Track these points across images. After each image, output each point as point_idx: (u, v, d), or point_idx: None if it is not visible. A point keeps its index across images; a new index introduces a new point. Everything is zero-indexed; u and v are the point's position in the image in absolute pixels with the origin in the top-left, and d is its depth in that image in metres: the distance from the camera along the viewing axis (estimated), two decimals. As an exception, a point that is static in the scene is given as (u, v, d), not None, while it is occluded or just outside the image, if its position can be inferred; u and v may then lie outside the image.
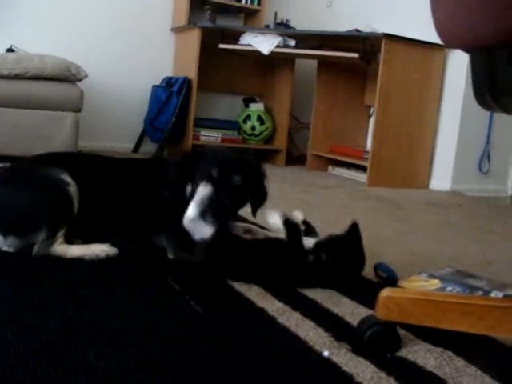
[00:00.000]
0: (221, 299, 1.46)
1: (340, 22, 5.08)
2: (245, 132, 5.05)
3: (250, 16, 5.18)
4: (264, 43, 4.41)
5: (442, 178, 4.34)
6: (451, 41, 1.15)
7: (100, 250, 1.69)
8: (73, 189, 1.68)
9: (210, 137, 4.80)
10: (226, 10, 5.05)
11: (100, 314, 1.27)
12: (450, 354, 1.21)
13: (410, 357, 1.18)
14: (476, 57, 1.13)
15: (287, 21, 4.91)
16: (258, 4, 5.01)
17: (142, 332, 1.19)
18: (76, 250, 1.68)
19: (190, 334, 1.21)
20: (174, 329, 1.23)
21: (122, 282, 1.51)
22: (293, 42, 4.50)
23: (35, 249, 1.63)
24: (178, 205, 1.69)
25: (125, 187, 1.81)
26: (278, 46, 4.42)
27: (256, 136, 5.06)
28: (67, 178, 1.69)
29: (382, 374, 1.09)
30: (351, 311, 1.43)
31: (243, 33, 4.60)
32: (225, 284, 1.56)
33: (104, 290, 1.44)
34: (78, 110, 3.65)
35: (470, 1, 1.01)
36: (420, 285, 1.67)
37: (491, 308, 1.15)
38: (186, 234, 1.65)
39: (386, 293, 1.19)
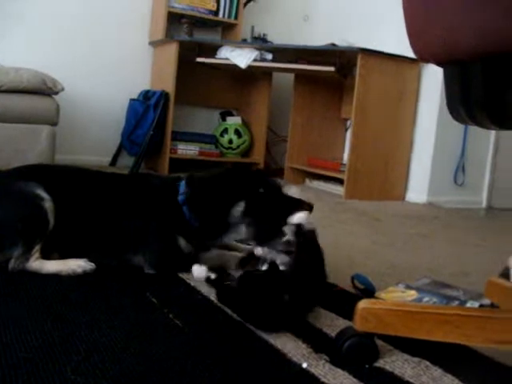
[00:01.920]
0: (199, 312, 1.45)
1: (317, 36, 5.14)
2: (222, 145, 5.06)
3: (227, 30, 5.21)
4: (241, 57, 4.43)
5: (418, 191, 4.38)
6: (424, 55, 1.17)
7: (77, 265, 1.68)
8: (48, 204, 1.67)
9: (188, 150, 4.80)
10: (204, 23, 5.07)
11: (77, 328, 1.26)
12: (427, 363, 1.22)
13: (388, 367, 1.19)
14: (449, 71, 1.15)
15: (264, 35, 4.94)
16: (236, 18, 5.03)
17: (119, 347, 1.18)
18: (52, 266, 1.66)
19: (168, 347, 1.20)
20: (153, 343, 1.22)
21: (99, 297, 1.50)
22: (270, 56, 4.53)
23: (11, 264, 1.61)
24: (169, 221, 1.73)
25: (103, 203, 1.79)
26: (255, 60, 4.45)
27: (233, 149, 5.07)
28: (42, 192, 1.68)
29: (361, 385, 1.09)
30: (329, 323, 1.43)
31: (220, 46, 4.61)
32: (203, 297, 1.56)
33: (81, 304, 1.43)
34: (54, 123, 3.63)
35: (443, 15, 1.03)
36: (397, 295, 1.69)
37: (467, 318, 1.16)
38: (166, 251, 1.71)
39: (363, 304, 1.20)
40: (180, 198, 1.75)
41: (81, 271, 1.67)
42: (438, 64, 1.16)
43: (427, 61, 1.18)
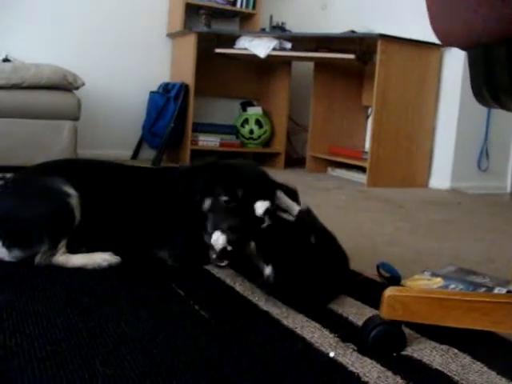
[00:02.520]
0: (225, 303, 1.46)
1: (335, 24, 5.10)
2: (243, 136, 5.06)
3: (245, 20, 5.19)
4: (260, 47, 4.42)
5: (441, 177, 4.34)
6: (448, 39, 1.15)
7: (102, 258, 1.69)
8: (74, 200, 1.68)
9: (209, 141, 4.81)
10: (222, 14, 5.06)
11: (104, 321, 1.27)
12: (456, 351, 1.21)
13: (416, 355, 1.18)
14: (473, 54, 1.13)
15: (283, 24, 4.91)
16: (253, 7, 5.01)
17: (146, 338, 1.19)
18: (78, 260, 1.68)
19: (195, 338, 1.21)
20: (179, 334, 1.23)
21: (125, 290, 1.50)
22: (289, 45, 4.51)
23: (37, 259, 1.63)
24: (193, 215, 1.71)
25: (130, 197, 1.80)
26: (274, 49, 4.43)
27: (254, 140, 5.06)
28: (69, 188, 1.69)
29: (389, 373, 1.09)
30: (355, 311, 1.42)
31: (239, 37, 4.60)
32: (229, 288, 1.56)
33: (107, 297, 1.43)
34: (75, 118, 3.65)
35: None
36: (423, 283, 1.67)
37: (495, 304, 1.15)
38: (190, 246, 1.71)
39: (390, 292, 1.19)
40: None
41: (106, 265, 1.68)
42: (462, 48, 1.15)
43: (450, 45, 1.16)
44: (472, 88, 1.14)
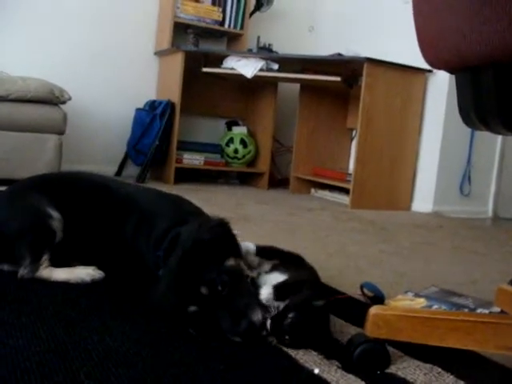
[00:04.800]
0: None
1: (322, 46, 5.17)
2: (227, 155, 5.08)
3: (232, 40, 5.24)
4: (247, 67, 4.45)
5: (423, 200, 4.39)
6: (437, 63, 1.18)
7: (85, 273, 1.68)
8: (55, 222, 1.67)
9: (193, 160, 4.81)
10: (209, 33, 5.10)
11: (89, 334, 1.26)
12: (439, 370, 1.22)
13: (400, 373, 1.19)
14: (461, 78, 1.16)
15: (270, 45, 4.96)
16: (241, 28, 5.07)
17: (131, 352, 1.18)
18: (61, 274, 1.67)
19: (181, 354, 1.20)
20: (165, 349, 1.22)
21: (109, 304, 1.50)
22: (276, 66, 4.56)
23: (20, 272, 1.63)
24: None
25: (112, 217, 1.75)
26: (261, 70, 4.47)
27: (239, 159, 5.08)
28: (51, 210, 1.68)
29: (374, 391, 1.09)
30: (340, 330, 1.43)
31: (226, 56, 4.64)
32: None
33: (92, 311, 1.42)
34: (61, 132, 3.65)
35: (455, 22, 1.04)
36: (406, 304, 1.68)
37: (478, 324, 1.17)
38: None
39: (375, 310, 1.20)
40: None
41: (89, 280, 1.67)
42: (450, 71, 1.17)
43: (439, 68, 1.18)
44: (460, 111, 1.16)
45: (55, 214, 1.69)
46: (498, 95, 1.03)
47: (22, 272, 1.62)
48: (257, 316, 1.28)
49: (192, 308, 1.34)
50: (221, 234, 1.45)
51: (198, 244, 1.38)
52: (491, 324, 1.16)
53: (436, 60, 1.15)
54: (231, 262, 1.39)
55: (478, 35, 0.99)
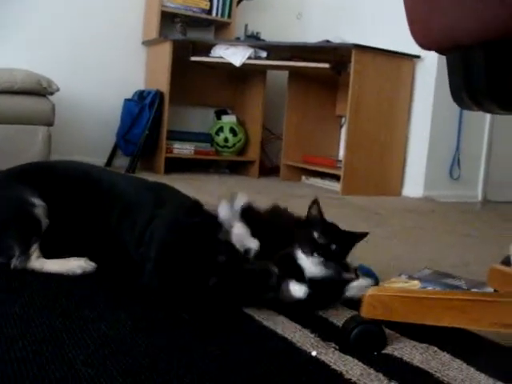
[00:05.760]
0: (206, 305, 1.45)
1: (310, 34, 5.16)
2: (218, 144, 5.07)
3: (220, 28, 5.21)
4: (235, 55, 4.44)
5: (414, 185, 4.40)
6: (427, 43, 1.17)
7: (77, 265, 1.67)
8: (39, 209, 1.66)
9: (184, 149, 4.80)
10: (197, 22, 5.07)
11: (84, 323, 1.25)
12: (435, 349, 1.23)
13: (397, 353, 1.19)
14: (452, 58, 1.15)
15: (257, 33, 4.94)
16: (229, 16, 5.04)
17: (127, 339, 1.18)
18: (52, 266, 1.66)
19: (177, 339, 1.21)
20: (161, 335, 1.22)
21: (103, 293, 1.49)
22: (264, 54, 4.54)
23: (12, 263, 1.62)
24: None
25: (101, 207, 1.75)
26: (249, 58, 4.46)
27: (229, 148, 5.07)
28: (35, 198, 1.67)
29: (371, 371, 1.10)
30: (335, 312, 1.44)
31: (214, 45, 4.62)
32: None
33: (86, 300, 1.42)
34: (49, 123, 3.63)
35: (445, 2, 1.04)
36: (400, 286, 1.69)
37: (473, 302, 1.17)
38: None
39: (370, 291, 1.20)
40: None
41: (80, 272, 1.66)
42: (441, 52, 1.17)
43: (429, 49, 1.18)
44: (451, 92, 1.16)
45: (38, 201, 1.67)
46: (489, 74, 1.03)
47: (15, 262, 1.62)
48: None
49: (213, 280, 1.38)
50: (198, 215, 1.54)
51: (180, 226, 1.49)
52: (486, 302, 1.17)
53: (427, 41, 1.14)
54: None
55: (471, 13, 0.99)
